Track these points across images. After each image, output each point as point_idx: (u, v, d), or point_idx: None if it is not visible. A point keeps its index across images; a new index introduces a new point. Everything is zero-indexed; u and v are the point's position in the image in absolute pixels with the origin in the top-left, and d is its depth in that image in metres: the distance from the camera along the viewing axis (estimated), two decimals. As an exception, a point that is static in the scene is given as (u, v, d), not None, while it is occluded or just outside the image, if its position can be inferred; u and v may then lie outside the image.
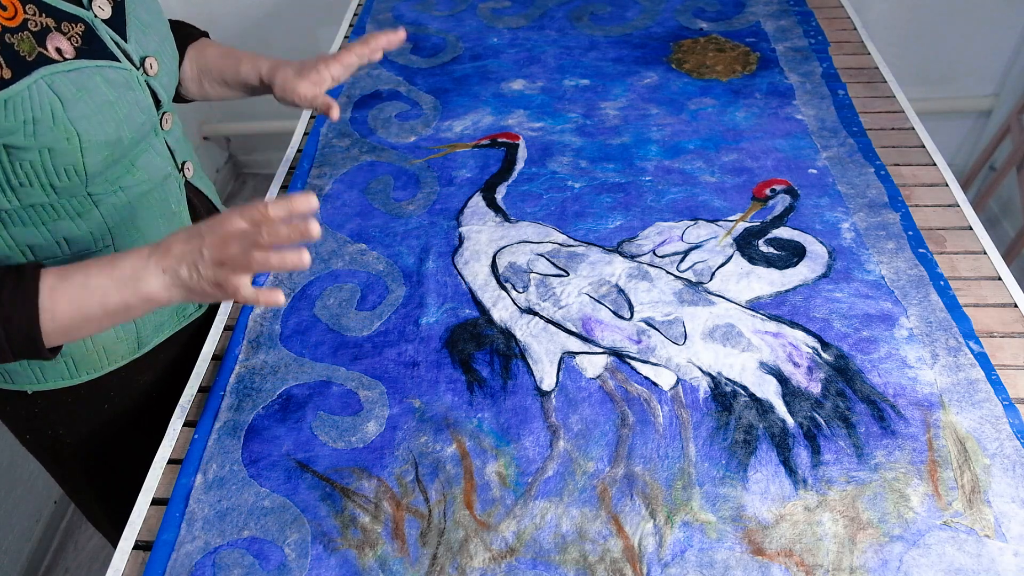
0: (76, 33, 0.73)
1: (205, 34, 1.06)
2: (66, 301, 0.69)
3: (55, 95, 0.69)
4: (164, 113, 0.86)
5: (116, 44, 0.77)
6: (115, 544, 0.79)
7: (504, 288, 0.94)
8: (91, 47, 0.74)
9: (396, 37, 0.96)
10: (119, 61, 0.76)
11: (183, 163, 0.92)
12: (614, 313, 0.90)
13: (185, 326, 0.98)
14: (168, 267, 0.69)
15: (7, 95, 0.66)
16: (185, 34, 1.01)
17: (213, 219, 0.70)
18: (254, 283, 0.93)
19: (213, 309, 1.00)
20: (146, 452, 0.82)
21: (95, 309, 0.70)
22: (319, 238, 0.74)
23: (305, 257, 0.69)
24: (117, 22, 0.78)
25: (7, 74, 0.66)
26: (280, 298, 0.71)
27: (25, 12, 0.68)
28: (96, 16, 0.76)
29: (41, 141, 0.70)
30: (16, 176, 0.72)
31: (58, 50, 0.70)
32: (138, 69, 0.79)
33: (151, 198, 0.85)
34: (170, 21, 0.97)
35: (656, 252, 0.98)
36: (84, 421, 0.95)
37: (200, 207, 0.97)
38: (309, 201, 0.69)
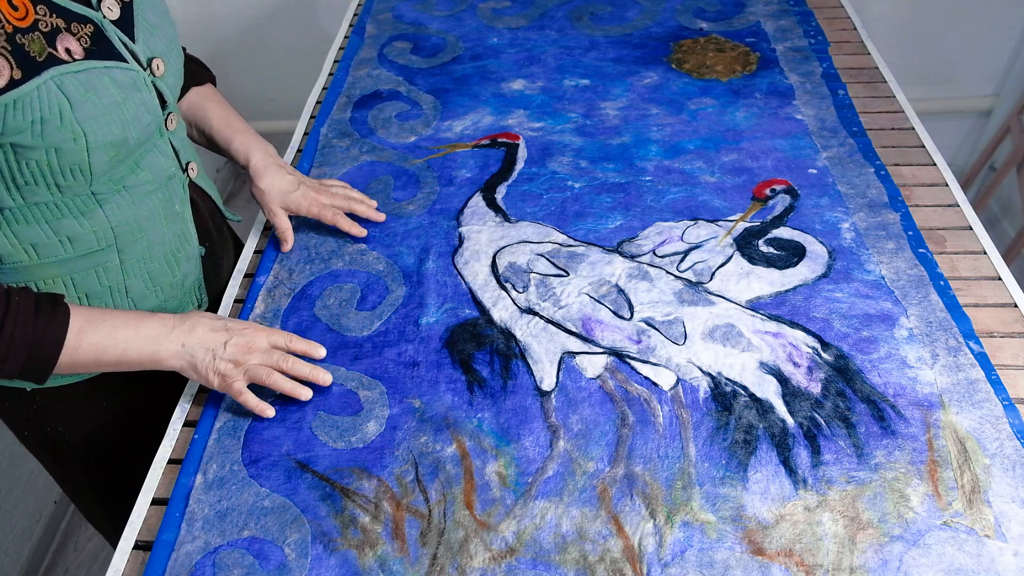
0: (85, 34, 0.73)
1: (212, 76, 1.07)
2: (90, 344, 0.75)
3: (63, 95, 0.70)
4: (169, 114, 0.86)
5: (124, 45, 0.77)
6: (114, 544, 0.79)
7: (504, 288, 0.94)
8: (100, 48, 0.74)
9: (375, 216, 1.05)
10: (127, 62, 0.77)
11: (187, 163, 0.92)
12: (614, 313, 0.90)
13: None
14: (187, 343, 0.79)
15: (16, 95, 0.67)
16: (192, 72, 1.02)
17: (242, 324, 0.82)
18: None
19: (213, 308, 1.00)
20: (146, 452, 0.82)
21: (111, 358, 0.77)
22: (329, 383, 0.84)
23: (310, 393, 0.82)
24: (125, 23, 0.79)
25: (17, 74, 0.66)
26: (271, 412, 0.81)
27: (36, 13, 0.69)
28: (105, 17, 0.76)
29: (48, 141, 0.70)
30: (22, 175, 0.72)
31: (68, 51, 0.71)
32: (145, 70, 0.80)
33: (155, 198, 0.85)
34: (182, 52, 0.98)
35: (656, 252, 0.98)
36: (84, 420, 0.95)
37: (203, 207, 0.97)
38: (321, 352, 0.86)
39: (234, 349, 0.79)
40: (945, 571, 0.66)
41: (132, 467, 0.87)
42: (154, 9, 0.85)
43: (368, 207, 1.05)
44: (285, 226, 1.02)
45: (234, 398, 0.81)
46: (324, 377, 0.83)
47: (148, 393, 0.97)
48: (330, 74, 1.41)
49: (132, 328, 0.77)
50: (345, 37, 1.52)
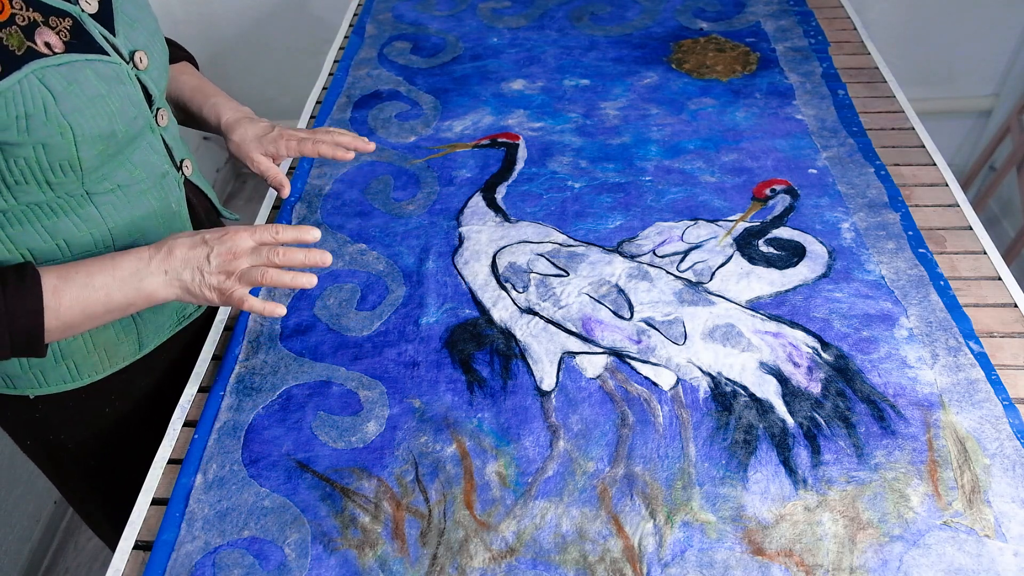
0: (64, 27, 0.72)
1: (190, 57, 1.06)
2: (70, 299, 0.72)
3: (46, 89, 0.69)
4: (159, 109, 0.86)
5: (105, 38, 0.77)
6: (113, 547, 0.78)
7: (504, 288, 0.94)
8: (80, 41, 0.74)
9: (367, 147, 0.99)
10: (108, 55, 0.76)
11: (181, 161, 0.92)
12: (614, 313, 0.90)
13: (185, 327, 0.98)
14: (170, 268, 0.75)
15: None
16: (169, 54, 1.01)
17: (220, 231, 0.77)
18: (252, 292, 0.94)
19: (213, 310, 1.00)
20: (146, 455, 0.82)
21: (98, 307, 0.73)
22: (330, 264, 0.79)
23: (314, 279, 0.77)
24: (104, 16, 0.78)
25: None
26: (282, 310, 0.77)
27: (12, 7, 0.68)
28: (83, 11, 0.75)
29: (35, 136, 0.70)
30: (11, 174, 0.72)
31: (47, 44, 0.70)
32: (128, 63, 0.79)
33: (150, 197, 0.85)
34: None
35: (656, 252, 0.98)
36: (85, 424, 0.95)
37: (199, 206, 0.97)
38: (313, 233, 0.78)
39: (219, 259, 0.75)
40: (945, 571, 0.66)
41: (132, 470, 0.86)
42: (134, 3, 0.84)
43: (354, 138, 0.99)
44: (274, 171, 0.98)
45: (238, 308, 0.78)
46: (323, 258, 0.77)
47: (149, 397, 0.97)
48: (330, 74, 1.41)
49: (108, 271, 0.73)
50: (345, 37, 1.52)
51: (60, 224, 0.78)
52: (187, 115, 1.03)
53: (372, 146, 1.00)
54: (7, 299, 0.69)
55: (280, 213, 1.10)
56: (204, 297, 0.76)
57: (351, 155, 0.98)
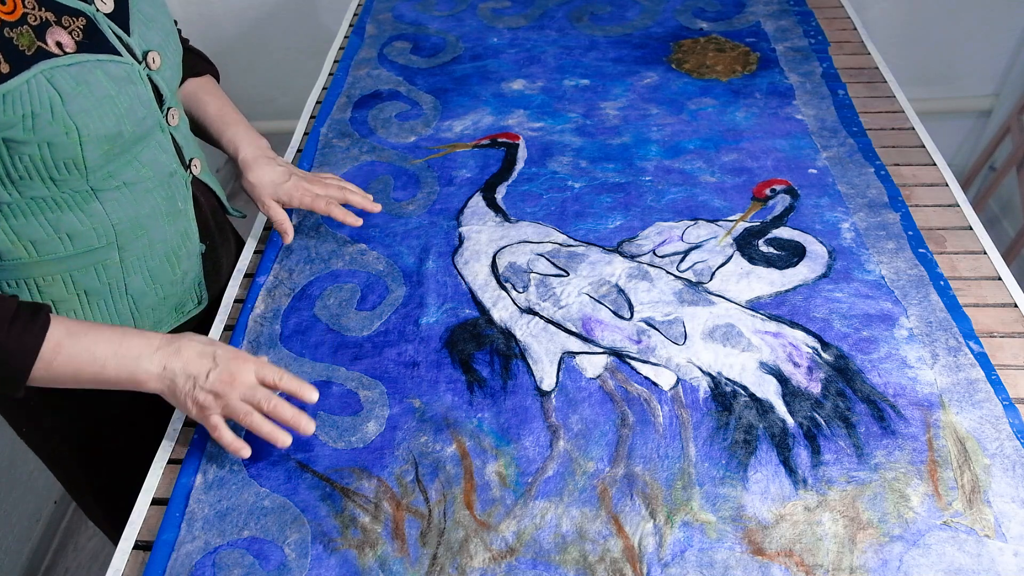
0: (77, 27, 0.73)
1: (213, 70, 1.06)
2: (66, 360, 0.71)
3: (54, 89, 0.69)
4: (169, 108, 0.86)
5: (118, 38, 0.77)
6: (115, 541, 0.78)
7: (504, 288, 0.94)
8: (92, 41, 0.74)
9: (372, 207, 1.03)
10: (121, 55, 0.76)
11: (190, 160, 0.92)
12: (614, 313, 0.90)
13: (183, 323, 0.98)
14: (169, 367, 0.74)
15: (5, 89, 0.66)
16: (190, 64, 1.01)
17: (232, 352, 0.76)
18: None
19: (213, 307, 1.00)
20: (146, 452, 0.82)
21: (88, 375, 0.73)
22: (312, 433, 0.77)
23: (289, 439, 0.75)
24: (120, 16, 0.78)
25: (5, 68, 0.66)
26: (247, 452, 0.76)
27: (24, 6, 0.69)
28: (98, 10, 0.76)
29: (40, 135, 0.70)
30: (16, 170, 0.72)
31: (58, 44, 0.70)
32: (140, 63, 0.79)
33: (157, 195, 0.85)
34: (184, 45, 0.97)
35: (656, 252, 0.98)
36: (82, 416, 0.95)
37: (206, 204, 0.97)
38: (313, 396, 0.77)
39: (217, 380, 0.74)
40: (945, 571, 0.66)
41: (131, 467, 0.86)
42: (150, 2, 0.84)
43: (363, 197, 1.03)
44: (281, 217, 0.99)
45: (208, 432, 0.76)
46: (307, 426, 0.75)
47: (146, 396, 0.97)
48: (330, 74, 1.41)
49: (114, 344, 0.73)
50: (345, 37, 1.52)
51: (64, 218, 0.78)
52: (206, 137, 1.04)
53: (378, 207, 1.04)
54: (10, 334, 0.69)
55: (280, 213, 1.09)
56: (184, 406, 0.75)
57: (360, 221, 1.00)
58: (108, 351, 0.72)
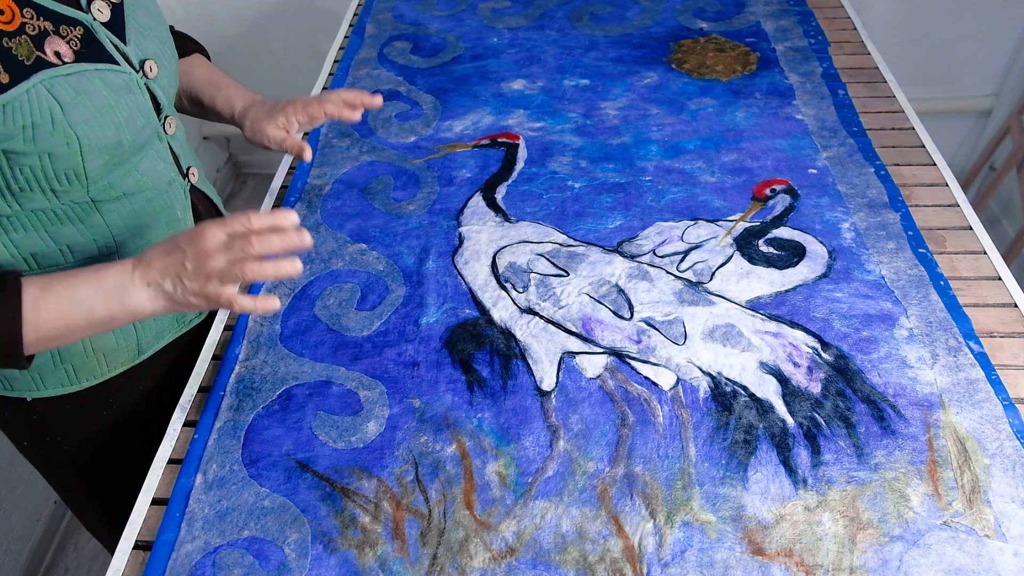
0: (75, 36, 0.72)
1: (201, 48, 1.06)
2: (51, 312, 0.69)
3: (54, 99, 0.69)
4: (167, 117, 0.85)
5: (115, 47, 0.76)
6: (111, 549, 0.78)
7: (504, 288, 0.94)
8: (90, 50, 0.73)
9: (372, 101, 0.99)
10: (118, 64, 0.76)
11: (188, 168, 0.92)
12: (614, 313, 0.90)
13: (185, 332, 0.98)
14: (152, 280, 0.71)
15: (5, 100, 0.66)
16: (179, 46, 1.01)
17: (191, 232, 0.71)
18: (251, 291, 0.93)
19: (213, 313, 1.00)
20: (145, 457, 0.82)
21: (80, 321, 0.70)
22: (312, 246, 0.74)
23: (298, 265, 0.71)
24: (116, 25, 0.78)
25: (5, 79, 0.66)
26: (276, 304, 0.72)
27: (23, 16, 0.68)
28: (95, 19, 0.75)
29: (40, 146, 0.69)
30: (16, 181, 0.71)
31: (57, 54, 0.70)
32: (138, 72, 0.79)
33: (155, 204, 0.85)
34: (171, 30, 0.97)
35: (656, 252, 0.98)
36: (83, 427, 0.95)
37: (204, 213, 0.97)
38: (290, 216, 0.71)
39: (194, 263, 0.70)
40: (945, 571, 0.66)
41: (130, 472, 0.86)
42: (145, 11, 0.83)
43: (357, 92, 0.98)
44: (290, 139, 0.97)
45: (229, 309, 0.73)
46: (302, 240, 0.71)
47: (148, 398, 0.97)
48: (330, 74, 1.41)
49: (91, 284, 0.70)
50: (345, 37, 1.52)
51: (64, 230, 0.78)
52: (201, 108, 1.03)
53: (379, 100, 0.99)
54: None
55: (280, 213, 1.09)
56: (190, 305, 0.72)
57: (358, 116, 0.98)
58: (89, 291, 0.70)
